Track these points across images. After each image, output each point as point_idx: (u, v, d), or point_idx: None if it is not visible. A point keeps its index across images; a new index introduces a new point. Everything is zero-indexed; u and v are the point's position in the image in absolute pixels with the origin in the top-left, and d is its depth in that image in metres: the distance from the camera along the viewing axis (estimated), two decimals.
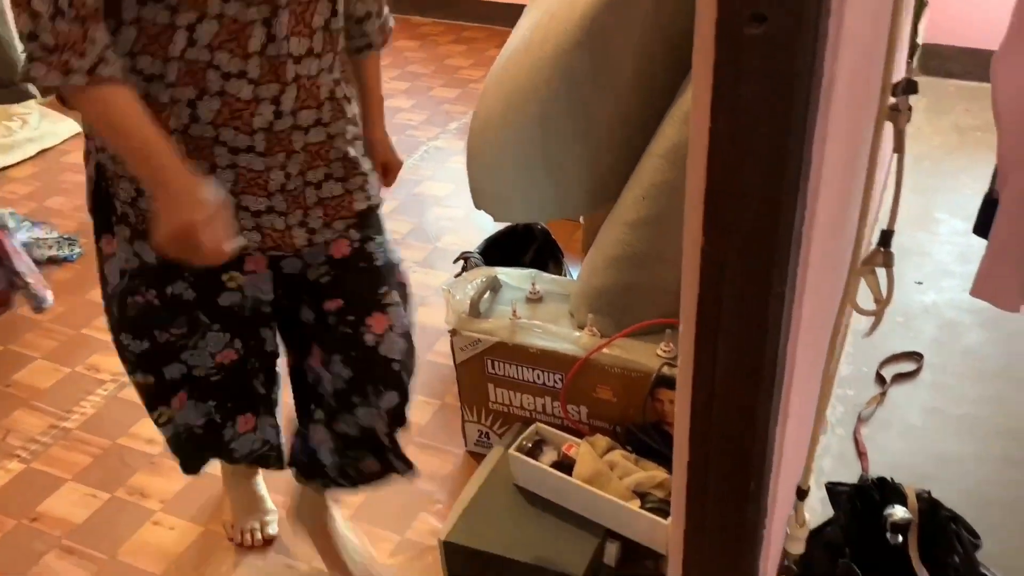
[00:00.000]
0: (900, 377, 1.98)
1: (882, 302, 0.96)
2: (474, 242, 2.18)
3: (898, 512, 1.35)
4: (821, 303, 1.18)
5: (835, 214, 1.00)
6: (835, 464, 1.74)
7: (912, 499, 1.39)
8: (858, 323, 2.16)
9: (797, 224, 0.84)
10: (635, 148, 1.62)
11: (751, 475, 1.00)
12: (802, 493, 1.05)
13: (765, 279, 0.87)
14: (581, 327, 1.65)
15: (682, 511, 1.08)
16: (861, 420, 1.84)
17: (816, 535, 1.41)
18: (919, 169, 2.81)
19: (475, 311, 1.70)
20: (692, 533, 1.08)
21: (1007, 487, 1.69)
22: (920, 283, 2.29)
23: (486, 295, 1.74)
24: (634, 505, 1.41)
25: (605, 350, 1.58)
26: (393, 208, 2.80)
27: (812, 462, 1.12)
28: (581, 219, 2.21)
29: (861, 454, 1.75)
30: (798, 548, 1.09)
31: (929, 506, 1.39)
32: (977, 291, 1.30)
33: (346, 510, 1.68)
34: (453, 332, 1.70)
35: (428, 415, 1.95)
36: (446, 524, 1.50)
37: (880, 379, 1.97)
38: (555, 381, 1.63)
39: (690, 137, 0.88)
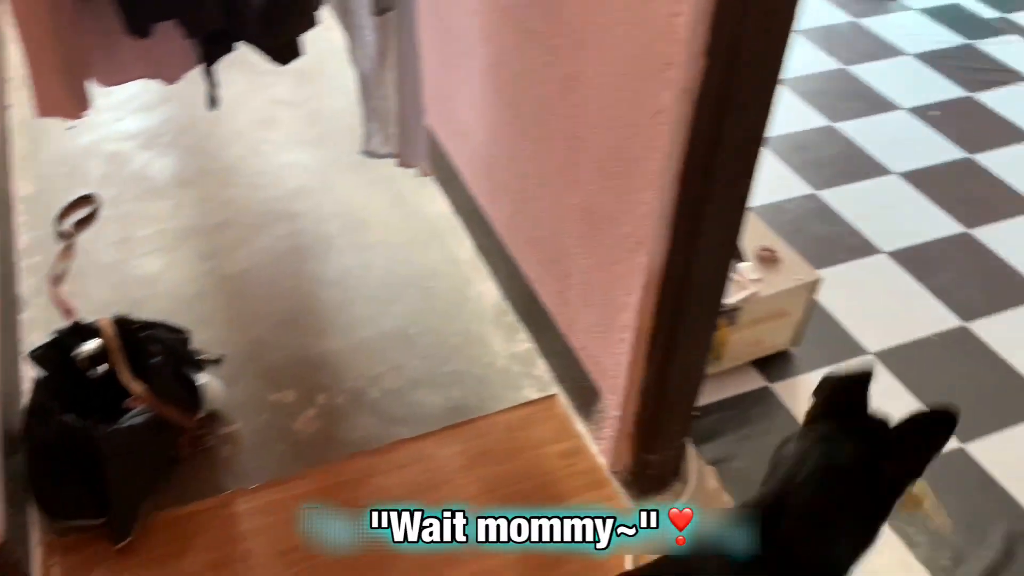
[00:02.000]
0: (82, 223, 1.96)
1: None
2: None
3: (86, 347, 1.37)
4: None
5: None
6: (46, 335, 1.67)
7: (107, 328, 1.42)
8: (27, 188, 2.04)
9: None
10: None
11: None
12: None
13: None
14: None
15: None
16: (56, 281, 1.79)
17: (29, 407, 1.35)
18: None
19: None
20: None
21: (203, 280, 1.85)
22: (72, 128, 2.23)
23: None
24: None
25: None
26: None
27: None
28: None
29: (67, 311, 1.71)
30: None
31: (123, 327, 1.44)
32: (41, 111, 1.29)
33: None
34: None
35: None
36: None
37: (62, 234, 1.92)
38: None
39: None
